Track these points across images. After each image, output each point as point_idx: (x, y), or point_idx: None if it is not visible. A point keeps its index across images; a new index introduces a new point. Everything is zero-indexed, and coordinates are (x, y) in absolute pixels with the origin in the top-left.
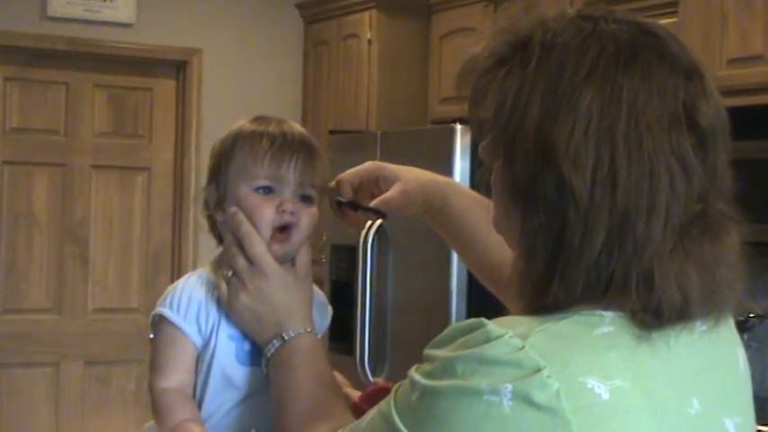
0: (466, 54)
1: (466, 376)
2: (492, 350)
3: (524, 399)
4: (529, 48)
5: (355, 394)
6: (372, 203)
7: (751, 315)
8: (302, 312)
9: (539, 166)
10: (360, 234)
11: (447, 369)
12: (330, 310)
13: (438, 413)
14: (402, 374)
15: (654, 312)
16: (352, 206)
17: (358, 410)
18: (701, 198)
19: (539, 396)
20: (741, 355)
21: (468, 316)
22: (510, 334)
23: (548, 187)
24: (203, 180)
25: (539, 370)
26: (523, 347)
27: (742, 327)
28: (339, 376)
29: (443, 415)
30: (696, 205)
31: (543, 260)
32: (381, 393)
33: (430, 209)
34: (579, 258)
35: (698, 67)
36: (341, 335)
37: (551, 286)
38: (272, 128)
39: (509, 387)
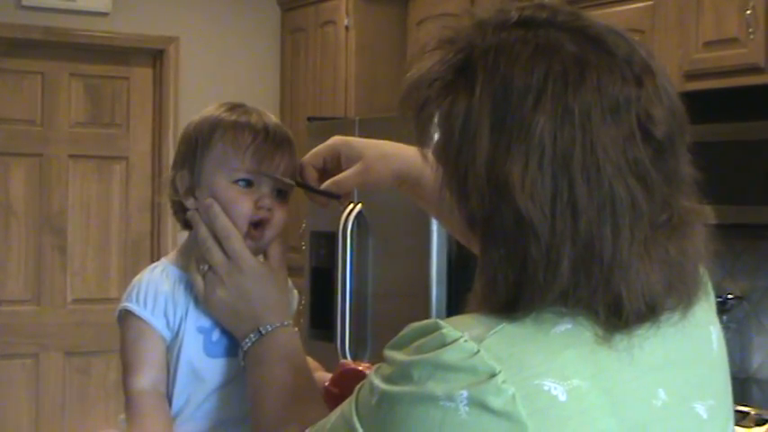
0: (407, 78)
1: (421, 382)
2: (447, 355)
3: (480, 405)
4: (471, 70)
5: (327, 377)
6: (323, 185)
7: (729, 296)
8: (279, 306)
9: (494, 202)
10: (339, 220)
11: (403, 374)
12: (296, 293)
13: (395, 419)
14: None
15: (618, 316)
16: (307, 189)
17: (329, 394)
18: (665, 205)
19: (494, 402)
20: (715, 333)
21: (449, 301)
22: (465, 338)
23: (506, 223)
24: None
25: (493, 375)
26: (478, 352)
27: (721, 308)
28: (311, 361)
29: (401, 421)
30: (661, 215)
31: (505, 291)
32: (349, 375)
33: (402, 183)
34: (544, 291)
35: (649, 66)
36: (321, 322)
37: (516, 310)
38: (253, 119)
39: (464, 393)
